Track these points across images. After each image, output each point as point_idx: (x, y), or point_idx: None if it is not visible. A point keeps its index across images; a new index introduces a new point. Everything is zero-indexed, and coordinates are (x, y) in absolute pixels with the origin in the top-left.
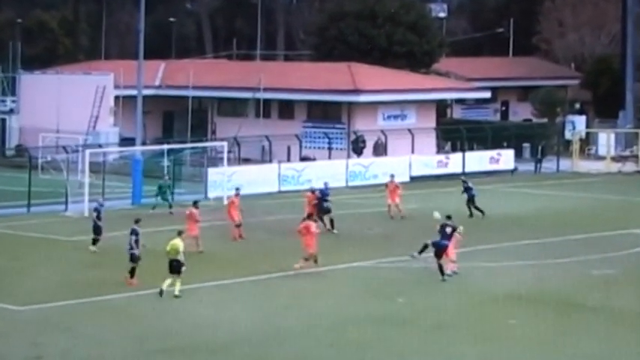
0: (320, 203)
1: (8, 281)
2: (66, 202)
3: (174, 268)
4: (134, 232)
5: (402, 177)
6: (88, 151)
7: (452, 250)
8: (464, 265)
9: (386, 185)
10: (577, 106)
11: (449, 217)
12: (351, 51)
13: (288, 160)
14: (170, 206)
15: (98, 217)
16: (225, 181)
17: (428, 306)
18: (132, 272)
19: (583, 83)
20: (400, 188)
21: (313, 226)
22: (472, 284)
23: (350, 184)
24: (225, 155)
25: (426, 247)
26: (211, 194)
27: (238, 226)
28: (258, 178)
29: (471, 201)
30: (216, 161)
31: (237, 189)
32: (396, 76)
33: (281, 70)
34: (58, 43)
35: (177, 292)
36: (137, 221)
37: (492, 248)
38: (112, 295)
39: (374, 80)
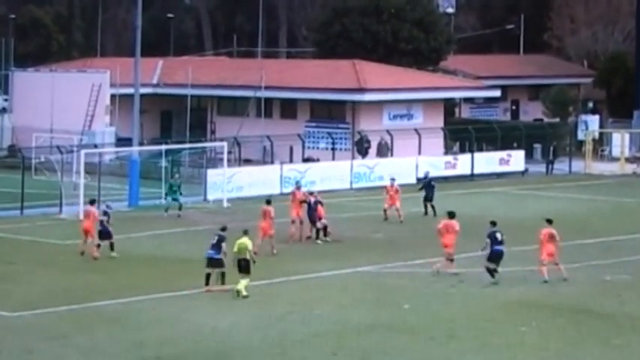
0: (310, 210)
1: (0, 286)
2: (60, 205)
3: (243, 267)
4: (221, 239)
5: (409, 179)
6: (83, 152)
7: (554, 252)
8: (472, 270)
9: (385, 188)
10: (590, 105)
11: (494, 224)
12: (355, 48)
13: (291, 161)
14: (180, 207)
15: (107, 221)
16: (225, 182)
17: (435, 313)
18: (221, 278)
19: (596, 82)
20: (400, 192)
21: (456, 225)
22: (481, 290)
23: (354, 185)
24: (225, 156)
25: (489, 270)
26: (211, 196)
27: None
28: (260, 180)
29: (428, 199)
30: (215, 162)
31: (298, 182)
32: (402, 74)
33: (283, 67)
34: (51, 39)
35: (244, 292)
36: (224, 229)
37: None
38: (108, 301)
39: (379, 78)
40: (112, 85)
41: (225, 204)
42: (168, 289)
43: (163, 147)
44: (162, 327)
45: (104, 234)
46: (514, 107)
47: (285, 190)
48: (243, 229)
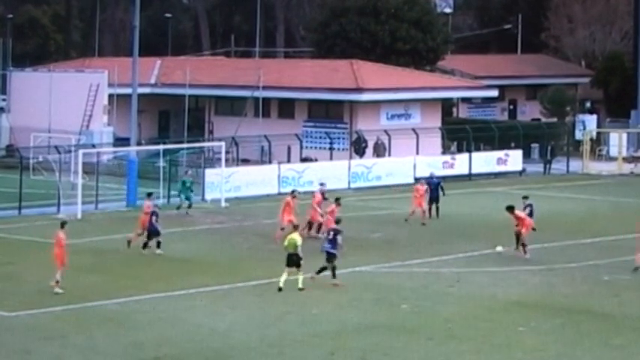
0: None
1: None
2: (58, 204)
3: (294, 262)
4: (337, 232)
5: (407, 179)
6: (81, 152)
7: None
8: (470, 270)
9: (416, 188)
10: (587, 105)
11: (526, 197)
12: (353, 48)
13: (289, 160)
14: (190, 206)
15: (156, 220)
16: (222, 182)
17: (434, 313)
18: (333, 272)
19: (594, 81)
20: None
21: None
22: (479, 290)
23: (352, 185)
24: (223, 156)
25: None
26: (208, 196)
27: (282, 229)
28: (258, 180)
29: (435, 201)
30: (213, 162)
31: (294, 191)
32: (400, 73)
33: (281, 67)
34: (49, 39)
35: (300, 285)
36: (338, 222)
37: (500, 252)
38: (107, 301)
39: (377, 78)
40: (110, 85)
41: (223, 204)
42: (167, 289)
43: (161, 147)
44: (162, 327)
45: (153, 232)
46: (512, 107)
47: (283, 190)
48: (294, 224)
